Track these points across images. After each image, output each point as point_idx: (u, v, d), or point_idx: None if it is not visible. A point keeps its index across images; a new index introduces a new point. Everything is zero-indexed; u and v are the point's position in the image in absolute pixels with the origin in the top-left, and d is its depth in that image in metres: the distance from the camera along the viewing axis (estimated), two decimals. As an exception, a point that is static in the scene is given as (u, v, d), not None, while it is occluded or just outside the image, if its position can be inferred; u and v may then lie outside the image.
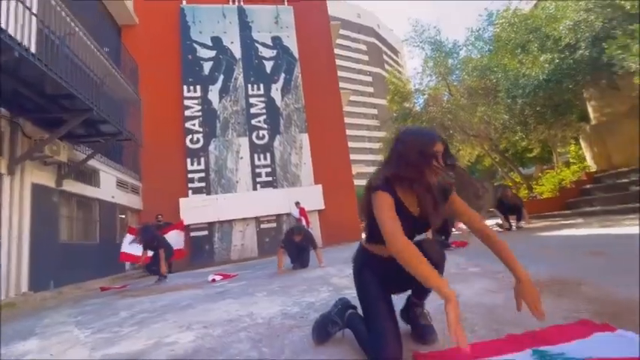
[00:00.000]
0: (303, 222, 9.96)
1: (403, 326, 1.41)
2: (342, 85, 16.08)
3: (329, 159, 12.53)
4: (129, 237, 6.80)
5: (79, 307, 3.85)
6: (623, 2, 5.22)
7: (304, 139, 12.54)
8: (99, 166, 8.59)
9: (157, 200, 10.82)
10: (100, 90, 6.78)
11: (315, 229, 11.08)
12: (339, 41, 68.00)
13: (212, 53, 12.60)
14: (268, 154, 12.16)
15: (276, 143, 12.32)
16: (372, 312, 1.30)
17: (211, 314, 2.46)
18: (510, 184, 11.15)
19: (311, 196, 11.61)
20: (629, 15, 5.18)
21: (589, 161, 9.06)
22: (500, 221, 6.47)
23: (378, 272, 1.31)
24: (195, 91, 12.15)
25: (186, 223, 10.40)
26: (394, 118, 11.25)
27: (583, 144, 9.28)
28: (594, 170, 8.74)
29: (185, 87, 12.09)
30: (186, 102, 11.99)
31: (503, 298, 1.78)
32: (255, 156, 12.06)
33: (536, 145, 10.06)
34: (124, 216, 10.28)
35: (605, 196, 7.40)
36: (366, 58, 61.95)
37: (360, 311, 1.42)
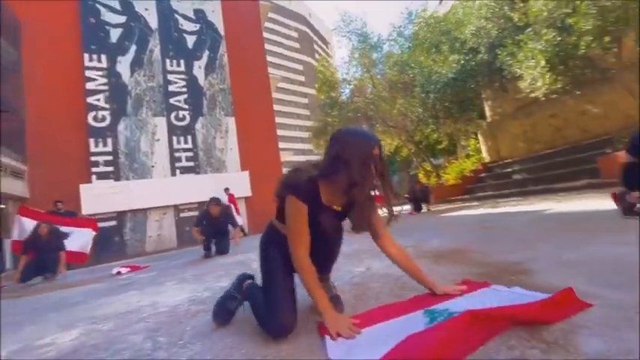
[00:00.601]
0: (233, 210, 9.65)
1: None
2: (271, 70, 15.66)
3: (257, 145, 12.16)
4: (24, 221, 5.51)
5: None
6: (512, 14, 6.08)
7: (230, 122, 11.92)
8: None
9: (49, 187, 9.14)
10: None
11: (242, 217, 10.72)
12: (269, 25, 66.26)
13: (122, 19, 11.01)
14: (189, 137, 11.25)
15: (198, 125, 11.46)
16: (269, 282, 1.29)
17: (105, 308, 2.15)
18: (422, 173, 12.35)
19: (238, 183, 11.14)
20: (517, 26, 6.06)
21: (484, 153, 10.52)
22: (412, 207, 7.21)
23: (282, 249, 1.27)
24: (99, 60, 10.51)
25: (87, 212, 9.08)
26: (322, 107, 11.39)
27: (480, 138, 10.73)
28: (488, 161, 10.19)
29: (86, 55, 10.36)
30: (88, 73, 10.31)
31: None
32: (175, 139, 11.05)
33: (444, 138, 11.27)
34: (3, 206, 8.50)
35: (495, 183, 8.69)
36: (297, 45, 61.48)
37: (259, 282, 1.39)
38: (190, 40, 11.86)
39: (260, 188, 11.69)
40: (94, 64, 10.44)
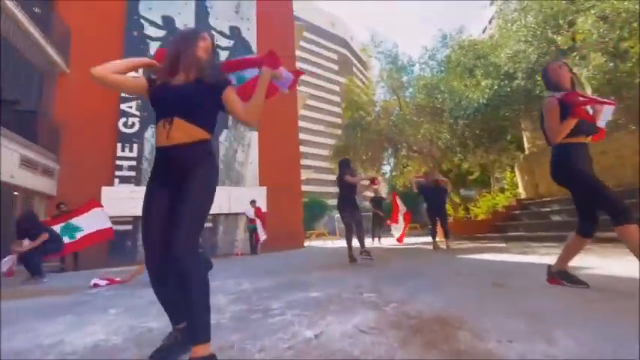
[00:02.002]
0: (259, 224, 9.38)
1: None
2: (304, 89, 15.84)
3: (278, 161, 12.02)
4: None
5: None
6: (555, 37, 5.44)
7: (253, 136, 11.93)
8: (-6, 139, 7.28)
9: (76, 186, 9.51)
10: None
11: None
12: (309, 46, 68.47)
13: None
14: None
15: (222, 138, 11.56)
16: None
17: (25, 336, 1.84)
18: (449, 205, 11.46)
19: (255, 198, 10.96)
20: (560, 50, 5.40)
21: (520, 188, 9.52)
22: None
23: None
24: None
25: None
26: (346, 127, 11.08)
27: (517, 172, 9.76)
28: (523, 197, 9.18)
29: (125, 64, 10.92)
30: (125, 81, 10.82)
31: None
32: (199, 149, 11.20)
33: (476, 169, 10.42)
34: (32, 201, 8.93)
35: (529, 222, 7.72)
36: (335, 67, 62.77)
37: None
38: (223, 56, 12.17)
39: (276, 205, 11.43)
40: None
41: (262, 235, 9.38)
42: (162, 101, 1.44)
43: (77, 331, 1.92)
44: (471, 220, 9.16)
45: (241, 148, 11.72)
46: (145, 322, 2.06)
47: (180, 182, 1.35)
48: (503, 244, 6.36)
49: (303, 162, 13.55)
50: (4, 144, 7.60)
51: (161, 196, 1.39)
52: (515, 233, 7.51)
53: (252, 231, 9.53)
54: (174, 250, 1.23)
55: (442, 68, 9.76)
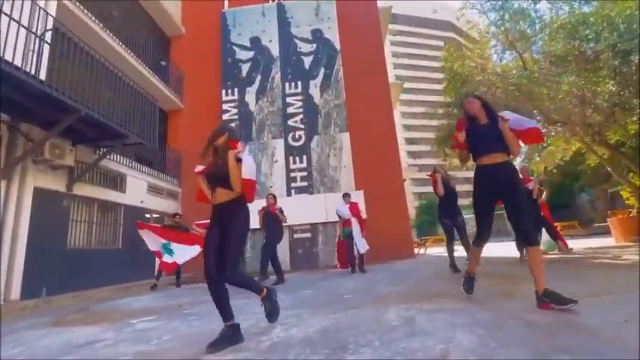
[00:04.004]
0: (355, 224, 6.86)
1: None
2: (411, 85, 14.12)
3: (374, 161, 10.79)
4: (141, 233, 6.18)
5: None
6: None
7: (345, 138, 11.09)
8: (126, 171, 8.62)
9: (194, 205, 10.55)
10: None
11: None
12: (410, 39, 64.62)
13: (250, 54, 12.18)
14: (305, 157, 11.05)
15: (313, 144, 11.15)
16: None
17: None
18: (626, 191, 7.79)
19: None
20: None
21: None
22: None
23: None
24: (232, 94, 11.83)
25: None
26: (446, 108, 8.89)
27: None
28: None
29: (224, 91, 11.86)
30: (225, 106, 11.73)
31: None
32: (291, 158, 11.08)
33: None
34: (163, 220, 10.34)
35: None
36: (440, 54, 57.17)
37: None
38: (307, 61, 11.92)
39: (377, 210, 10.16)
40: (229, 97, 11.81)
41: (362, 246, 6.85)
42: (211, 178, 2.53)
43: None
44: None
45: (333, 152, 11.03)
46: None
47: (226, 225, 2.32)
48: None
49: (410, 161, 11.80)
50: (136, 175, 8.96)
51: (215, 235, 2.32)
52: None
53: (348, 237, 7.04)
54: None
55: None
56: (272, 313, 2.34)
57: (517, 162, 10.97)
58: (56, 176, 6.44)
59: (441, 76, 13.77)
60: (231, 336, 2.01)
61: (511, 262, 5.41)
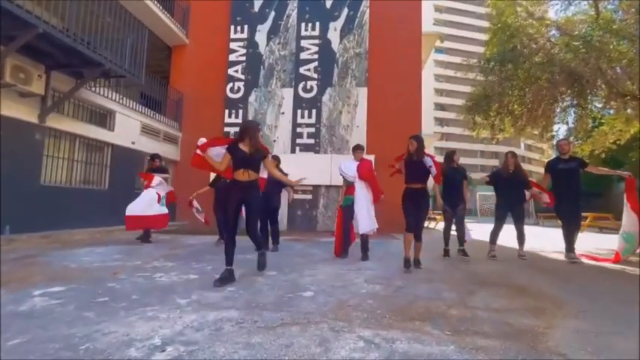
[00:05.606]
0: (361, 190, 4.59)
1: None
2: (455, 46, 12.04)
3: (391, 123, 9.53)
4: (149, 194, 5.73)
5: None
6: None
7: (362, 93, 9.78)
8: (116, 108, 7.88)
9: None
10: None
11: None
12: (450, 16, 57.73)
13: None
14: (314, 111, 9.91)
15: (325, 97, 9.94)
16: None
17: None
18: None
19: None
20: None
21: None
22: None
23: None
24: (242, 31, 10.50)
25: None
26: (485, 64, 7.27)
27: None
28: None
29: (232, 27, 10.54)
30: (232, 45, 10.49)
31: None
32: (299, 112, 9.97)
33: None
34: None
35: None
36: (484, 24, 50.96)
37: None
38: (329, -1, 10.25)
39: (388, 178, 9.15)
40: (238, 35, 10.51)
41: (366, 225, 4.48)
42: (241, 160, 3.12)
43: None
44: None
45: (346, 109, 9.81)
46: None
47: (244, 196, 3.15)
48: None
49: (436, 128, 10.43)
50: (127, 113, 8.23)
51: (235, 201, 3.11)
52: None
53: (348, 208, 4.72)
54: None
55: None
56: (262, 265, 3.44)
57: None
58: (26, 105, 5.75)
59: (486, 24, 11.64)
60: (229, 276, 3.00)
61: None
